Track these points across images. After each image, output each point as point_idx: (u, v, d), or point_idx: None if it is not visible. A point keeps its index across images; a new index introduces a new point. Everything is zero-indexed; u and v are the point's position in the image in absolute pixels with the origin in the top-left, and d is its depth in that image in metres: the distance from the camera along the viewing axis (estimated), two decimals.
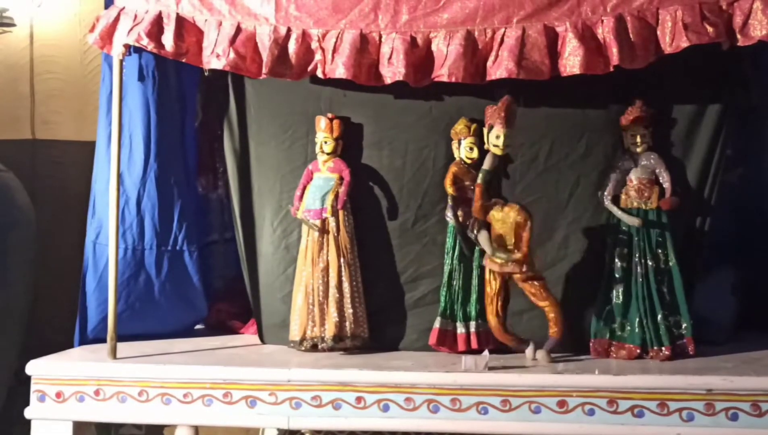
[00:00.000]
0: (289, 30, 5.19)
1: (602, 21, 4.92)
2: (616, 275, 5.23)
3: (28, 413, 5.07)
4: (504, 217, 5.13)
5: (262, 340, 5.73)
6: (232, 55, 5.14)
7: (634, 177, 5.26)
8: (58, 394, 5.04)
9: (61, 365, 5.13)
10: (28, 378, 5.09)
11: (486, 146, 5.26)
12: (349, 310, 5.37)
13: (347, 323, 5.37)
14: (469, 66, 5.01)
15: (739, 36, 4.80)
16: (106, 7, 5.54)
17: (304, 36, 5.18)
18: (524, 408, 4.72)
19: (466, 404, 4.77)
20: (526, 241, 5.07)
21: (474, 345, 5.27)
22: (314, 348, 5.38)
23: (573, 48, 4.89)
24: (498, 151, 5.21)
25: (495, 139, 5.18)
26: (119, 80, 5.27)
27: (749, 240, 5.77)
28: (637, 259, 5.20)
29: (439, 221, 5.43)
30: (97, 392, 5.03)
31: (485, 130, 5.24)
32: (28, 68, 7.16)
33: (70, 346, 5.63)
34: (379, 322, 5.48)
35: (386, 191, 5.53)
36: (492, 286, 5.17)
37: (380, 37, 5.13)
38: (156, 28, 5.23)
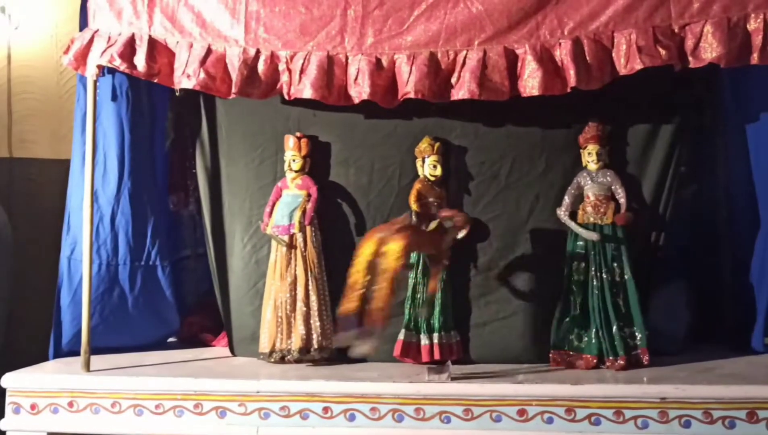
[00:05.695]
0: (258, 51, 5.29)
1: (560, 44, 5.04)
2: (574, 288, 5.35)
3: (3, 425, 5.13)
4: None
5: (233, 353, 5.81)
6: (202, 75, 5.24)
7: (590, 193, 5.38)
8: (33, 406, 5.11)
9: (35, 378, 5.20)
10: (3, 390, 5.16)
11: None
12: (316, 323, 5.46)
13: (314, 336, 5.46)
14: (432, 85, 5.11)
15: (690, 58, 4.92)
16: (81, 29, 5.64)
17: (273, 57, 5.28)
18: (485, 417, 4.83)
19: (429, 413, 4.87)
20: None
21: (437, 356, 5.35)
22: (282, 360, 5.46)
23: (532, 70, 5.01)
24: None
25: None
26: (93, 100, 5.38)
27: (702, 254, 5.86)
28: (593, 273, 5.31)
29: None
30: (70, 404, 5.10)
31: None
32: (6, 89, 7.17)
33: (45, 359, 5.69)
34: None
35: (353, 207, 5.62)
36: None
37: (347, 58, 5.23)
38: (129, 50, 5.33)
